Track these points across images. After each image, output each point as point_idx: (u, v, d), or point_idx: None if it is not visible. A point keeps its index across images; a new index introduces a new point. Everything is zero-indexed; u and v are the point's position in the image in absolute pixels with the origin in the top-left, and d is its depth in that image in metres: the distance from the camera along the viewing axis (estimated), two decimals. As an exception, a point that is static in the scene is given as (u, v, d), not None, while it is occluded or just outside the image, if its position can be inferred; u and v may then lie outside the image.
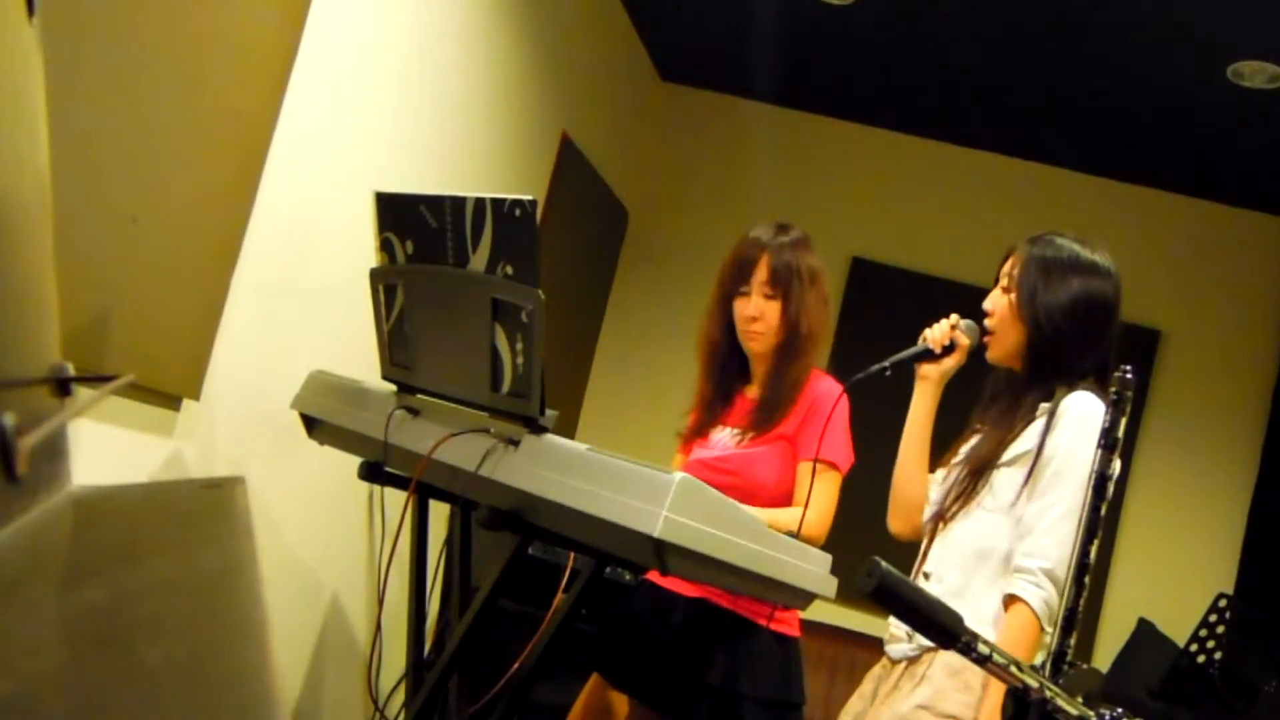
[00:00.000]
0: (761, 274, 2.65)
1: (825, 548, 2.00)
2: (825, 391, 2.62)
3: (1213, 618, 3.89)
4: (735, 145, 5.28)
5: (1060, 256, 2.16)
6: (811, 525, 2.50)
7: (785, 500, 2.59)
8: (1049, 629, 1.98)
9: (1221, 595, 3.96)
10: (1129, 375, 1.31)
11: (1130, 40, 3.86)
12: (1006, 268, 2.23)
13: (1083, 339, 2.13)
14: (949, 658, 2.02)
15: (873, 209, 5.17)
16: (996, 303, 2.22)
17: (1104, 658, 4.53)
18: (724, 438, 2.69)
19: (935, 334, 2.28)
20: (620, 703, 2.73)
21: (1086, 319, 2.13)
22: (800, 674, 2.60)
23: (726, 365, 2.75)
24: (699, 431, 2.74)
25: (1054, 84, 4.33)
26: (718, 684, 2.50)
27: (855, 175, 5.21)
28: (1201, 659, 3.87)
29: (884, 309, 4.87)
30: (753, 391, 2.72)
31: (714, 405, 2.75)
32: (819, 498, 2.51)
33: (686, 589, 2.62)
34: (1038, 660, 1.99)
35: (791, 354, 2.64)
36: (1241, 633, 3.86)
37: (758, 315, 2.65)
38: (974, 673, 1.98)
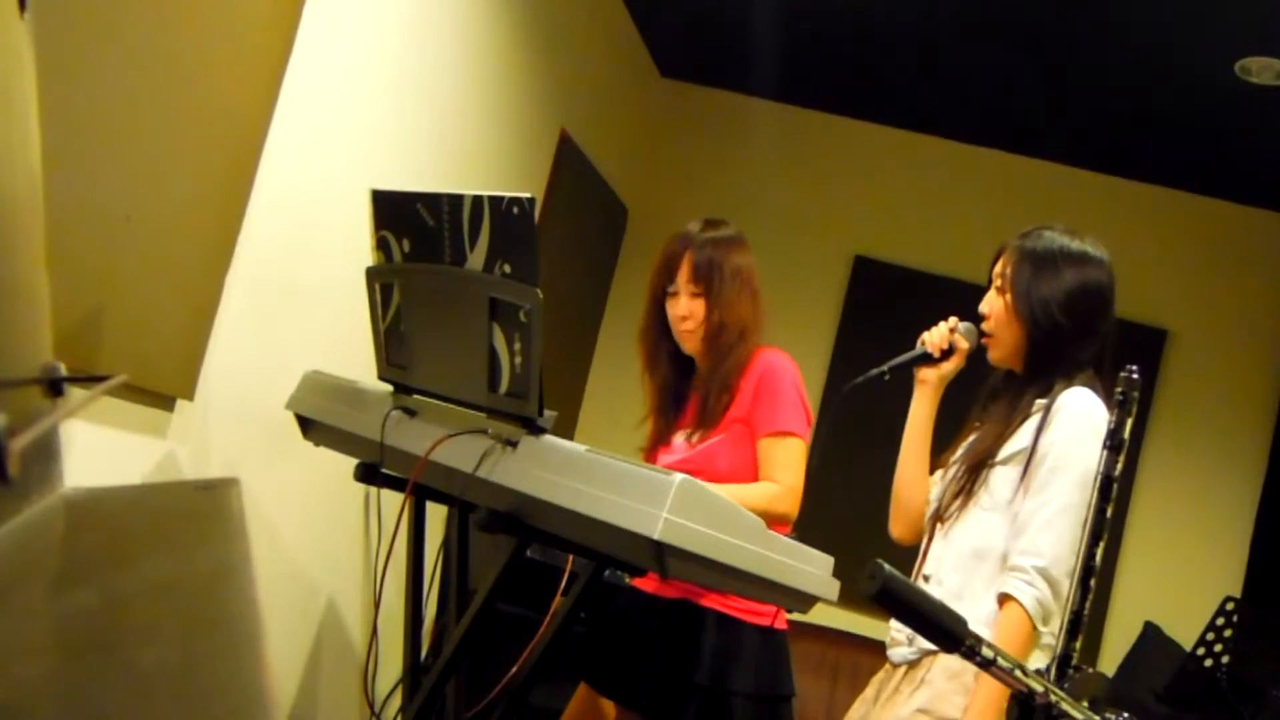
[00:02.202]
0: (685, 271, 2.64)
1: (825, 549, 1.97)
2: (770, 363, 2.60)
3: (1220, 621, 3.88)
4: (736, 142, 5.26)
5: (1050, 249, 2.15)
6: (783, 499, 2.48)
7: (750, 480, 2.56)
8: (1042, 628, 1.97)
9: (1229, 599, 3.95)
10: (1135, 375, 1.29)
11: (1136, 36, 3.85)
12: (998, 268, 2.21)
13: (1080, 329, 2.12)
14: (948, 661, 2.01)
15: (875, 207, 5.15)
16: (992, 305, 2.20)
17: (1110, 661, 4.51)
18: (681, 442, 2.67)
19: (934, 338, 2.26)
20: (611, 707, 2.71)
21: (1083, 308, 2.12)
22: (788, 666, 2.58)
23: (670, 368, 2.73)
24: (661, 439, 2.72)
25: (1058, 80, 4.32)
26: (705, 682, 2.49)
27: (858, 172, 5.19)
28: (1208, 663, 3.86)
29: (886, 307, 4.86)
30: (698, 392, 2.70)
31: (666, 411, 2.72)
32: (786, 468, 2.50)
33: (667, 590, 2.60)
34: (1037, 662, 1.98)
35: (722, 350, 2.61)
36: (1249, 636, 3.85)
37: (687, 314, 2.63)
38: (973, 675, 1.97)
